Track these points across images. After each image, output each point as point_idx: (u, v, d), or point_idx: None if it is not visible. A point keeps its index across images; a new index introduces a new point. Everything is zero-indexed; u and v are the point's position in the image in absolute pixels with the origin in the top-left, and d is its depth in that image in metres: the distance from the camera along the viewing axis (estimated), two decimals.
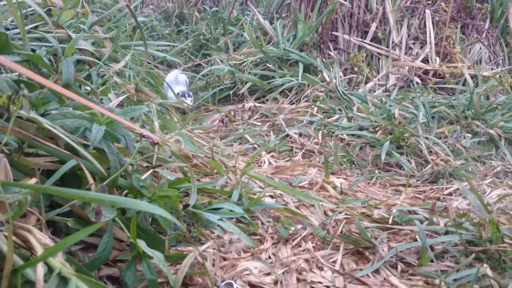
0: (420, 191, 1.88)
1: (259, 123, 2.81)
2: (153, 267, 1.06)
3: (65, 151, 1.03)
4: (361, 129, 2.54)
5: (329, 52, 3.54)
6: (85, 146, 1.10)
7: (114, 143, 1.15)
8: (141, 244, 1.07)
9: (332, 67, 3.35)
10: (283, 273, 1.19)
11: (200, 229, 1.30)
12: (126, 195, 1.21)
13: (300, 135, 2.52)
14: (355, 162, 2.21)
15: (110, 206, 1.08)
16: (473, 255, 1.25)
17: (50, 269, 0.70)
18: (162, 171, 1.47)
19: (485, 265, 1.21)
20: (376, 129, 2.49)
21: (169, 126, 1.95)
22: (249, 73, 3.28)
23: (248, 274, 1.17)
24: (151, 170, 1.29)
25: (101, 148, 1.11)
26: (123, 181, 1.17)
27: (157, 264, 1.08)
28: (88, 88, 1.60)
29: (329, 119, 2.72)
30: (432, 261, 1.25)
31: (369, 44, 3.56)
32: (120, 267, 1.07)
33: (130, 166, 1.24)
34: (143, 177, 1.23)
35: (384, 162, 2.19)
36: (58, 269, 0.68)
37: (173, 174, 1.53)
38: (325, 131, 2.56)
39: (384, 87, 3.26)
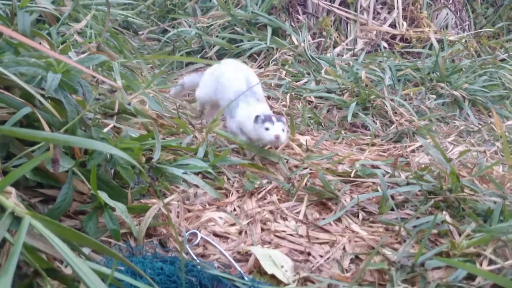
0: (384, 149, 1.92)
1: None
2: (116, 218, 1.05)
3: (21, 100, 1.00)
4: (328, 91, 2.54)
5: (298, 16, 3.51)
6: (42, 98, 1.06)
7: (72, 94, 1.12)
8: (103, 195, 1.05)
9: (301, 31, 3.33)
10: (247, 223, 1.21)
11: (165, 183, 1.30)
12: (85, 150, 1.17)
13: (269, 97, 2.51)
14: (322, 124, 2.22)
15: (69, 158, 1.06)
16: (432, 202, 1.28)
17: (3, 210, 0.68)
18: (125, 128, 1.45)
19: (444, 212, 1.25)
20: (343, 91, 2.50)
21: (133, 86, 1.91)
22: (217, 36, 3.23)
23: (213, 225, 1.18)
24: (111, 125, 1.27)
25: (59, 99, 1.08)
26: (82, 134, 1.14)
27: (120, 216, 1.07)
28: (47, 44, 1.54)
29: (297, 83, 2.71)
30: (392, 209, 1.28)
31: (338, 8, 3.54)
32: (82, 219, 1.06)
33: (89, 119, 1.21)
34: (104, 131, 1.21)
35: (350, 123, 2.22)
36: (11, 208, 0.66)
37: (136, 131, 1.50)
38: (293, 94, 2.56)
39: (352, 51, 3.27)
